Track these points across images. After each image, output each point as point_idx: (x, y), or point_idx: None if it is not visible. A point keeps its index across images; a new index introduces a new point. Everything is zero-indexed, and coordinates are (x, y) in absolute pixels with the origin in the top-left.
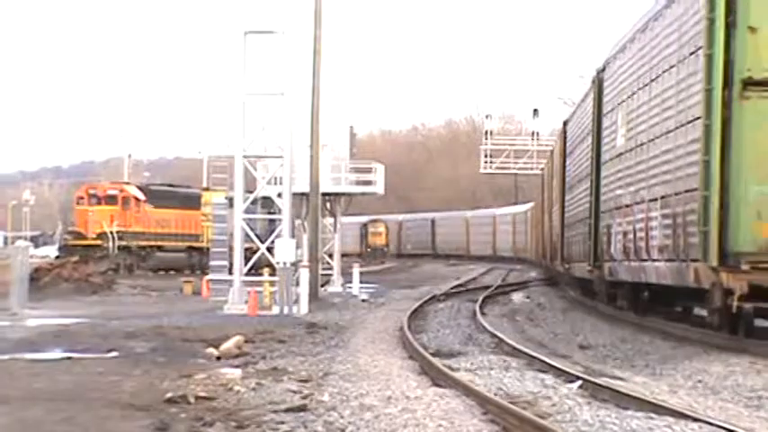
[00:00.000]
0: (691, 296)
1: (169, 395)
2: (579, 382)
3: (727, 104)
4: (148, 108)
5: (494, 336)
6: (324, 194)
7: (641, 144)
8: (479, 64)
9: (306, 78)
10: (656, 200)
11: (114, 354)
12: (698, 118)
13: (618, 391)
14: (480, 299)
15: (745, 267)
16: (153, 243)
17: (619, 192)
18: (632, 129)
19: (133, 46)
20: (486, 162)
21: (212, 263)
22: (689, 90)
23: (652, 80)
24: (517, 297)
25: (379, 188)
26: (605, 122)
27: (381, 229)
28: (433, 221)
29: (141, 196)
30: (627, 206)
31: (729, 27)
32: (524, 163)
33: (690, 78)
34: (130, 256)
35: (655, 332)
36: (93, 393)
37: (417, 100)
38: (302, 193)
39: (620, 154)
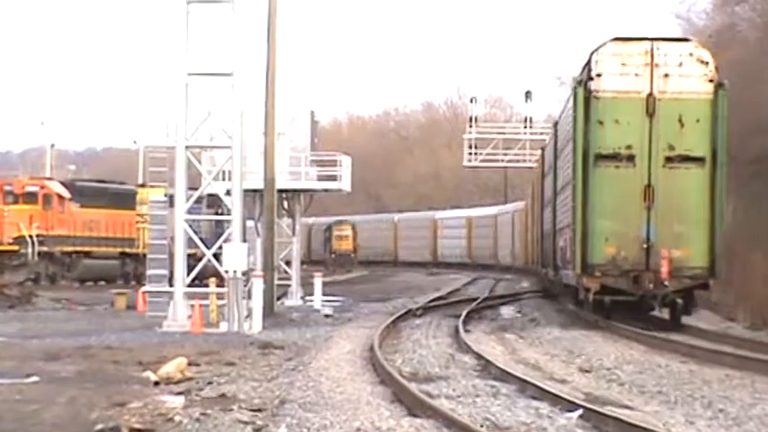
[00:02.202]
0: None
1: (99, 427)
2: (580, 411)
3: (585, 171)
4: (74, 91)
5: (479, 357)
6: (280, 191)
7: (566, 184)
8: (462, 38)
9: (259, 57)
10: (565, 227)
11: (34, 379)
12: (571, 180)
13: (625, 422)
14: (464, 314)
15: (597, 274)
16: (79, 249)
17: (561, 215)
18: (562, 172)
19: (57, 18)
20: (470, 154)
21: (149, 272)
22: (570, 159)
23: (564, 144)
24: (507, 311)
25: (345, 184)
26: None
27: (348, 231)
28: (434, 222)
29: (66, 194)
30: (564, 227)
31: (587, 122)
32: (515, 154)
33: (568, 151)
34: (53, 263)
35: (671, 352)
36: (9, 425)
37: (390, 80)
38: (255, 190)
39: (564, 186)
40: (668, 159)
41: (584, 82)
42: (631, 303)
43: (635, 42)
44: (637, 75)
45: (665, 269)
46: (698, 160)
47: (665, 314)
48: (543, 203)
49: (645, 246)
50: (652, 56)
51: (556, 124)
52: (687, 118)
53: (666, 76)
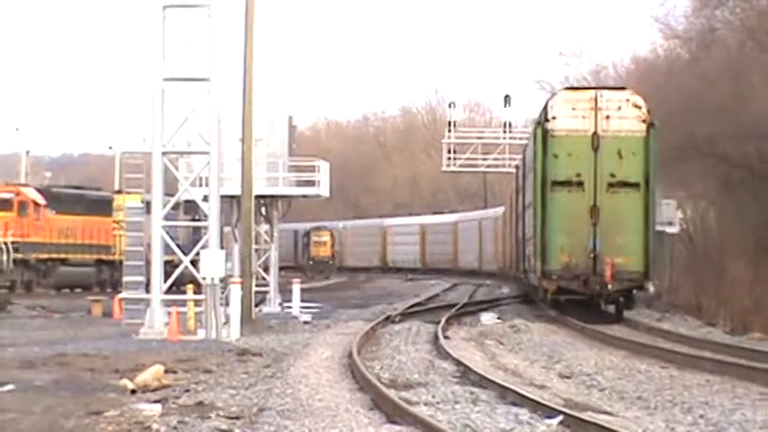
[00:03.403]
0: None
1: None
2: (560, 417)
3: (544, 194)
4: (50, 96)
5: (459, 363)
6: (258, 197)
7: (529, 204)
8: (440, 43)
9: (236, 62)
10: (530, 238)
11: (9, 387)
12: (533, 201)
13: (605, 428)
14: (443, 320)
15: (554, 278)
16: (55, 256)
17: (527, 228)
18: (527, 193)
19: (32, 23)
20: (449, 159)
21: (126, 279)
22: (532, 184)
23: (528, 172)
24: (486, 317)
25: (323, 190)
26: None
27: (326, 237)
28: (422, 228)
29: (41, 200)
30: (529, 238)
31: (545, 155)
32: (494, 159)
33: (531, 177)
34: (28, 271)
35: (651, 357)
36: None
37: (369, 85)
38: (232, 196)
39: (528, 204)
40: (610, 185)
41: (542, 123)
42: (582, 301)
43: (582, 91)
44: (584, 117)
45: (608, 273)
46: (634, 185)
47: (610, 310)
48: (518, 214)
49: (592, 255)
50: (596, 102)
51: (524, 151)
52: (625, 151)
53: (608, 117)
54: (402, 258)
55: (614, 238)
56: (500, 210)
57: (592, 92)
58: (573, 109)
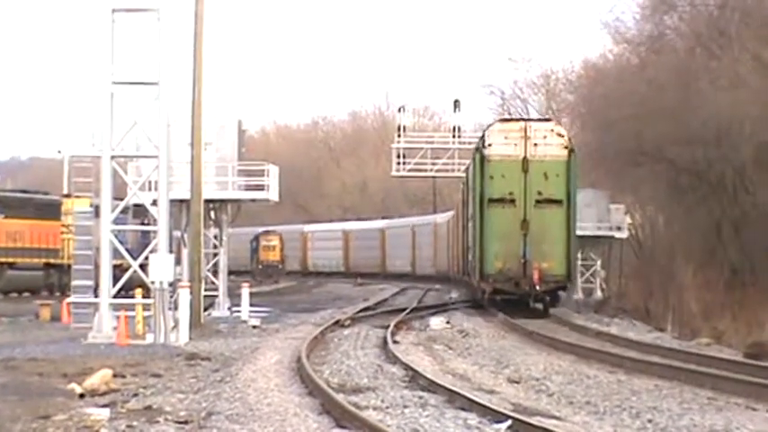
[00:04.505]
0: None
1: None
2: (508, 422)
3: (483, 210)
4: None
5: (407, 367)
6: (207, 201)
7: (471, 216)
8: (389, 47)
9: (185, 66)
10: (471, 246)
11: None
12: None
13: None
14: (392, 324)
15: (490, 280)
16: (3, 259)
17: (470, 238)
18: (469, 207)
19: None
20: (398, 164)
21: (74, 283)
22: (472, 200)
23: (470, 190)
24: (435, 322)
25: (272, 194)
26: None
27: (275, 242)
28: (344, 233)
29: None
30: (471, 246)
31: (482, 177)
32: (444, 164)
33: (471, 195)
34: None
35: (599, 362)
36: None
37: (318, 89)
38: (182, 200)
39: (470, 217)
40: (538, 202)
41: (480, 149)
42: (515, 300)
43: (514, 122)
44: (515, 144)
45: (536, 276)
46: (557, 202)
47: (538, 306)
48: (463, 225)
49: (522, 261)
50: (525, 131)
51: (467, 171)
52: (550, 173)
53: (536, 145)
54: (323, 263)
55: (541, 246)
56: (438, 217)
57: (522, 123)
58: (506, 138)
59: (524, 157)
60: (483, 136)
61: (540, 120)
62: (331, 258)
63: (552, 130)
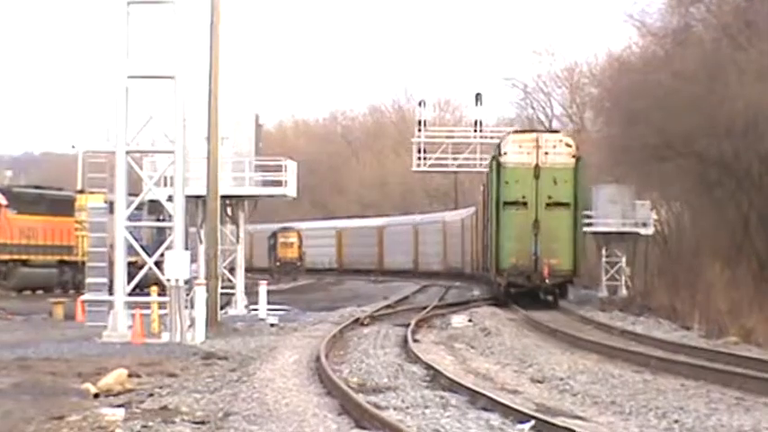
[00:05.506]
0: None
1: None
2: (531, 423)
3: (498, 211)
4: (11, 94)
5: (429, 367)
6: (224, 197)
7: (489, 217)
8: (409, 40)
9: (202, 59)
10: (489, 244)
11: None
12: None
13: None
14: (413, 323)
15: (505, 274)
16: (16, 257)
17: (488, 236)
18: (488, 209)
19: None
20: (419, 158)
21: (89, 280)
22: (490, 203)
23: (488, 193)
24: (457, 320)
25: (290, 190)
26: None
27: (293, 239)
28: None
29: (2, 200)
30: (489, 244)
31: (499, 182)
32: (465, 159)
33: (489, 198)
34: None
35: (624, 361)
36: None
37: (337, 83)
38: (198, 196)
39: (489, 218)
40: (548, 205)
41: (496, 157)
42: (527, 293)
43: (527, 133)
44: (528, 153)
45: (545, 271)
46: (565, 205)
47: (549, 299)
48: (484, 225)
49: (534, 257)
50: (537, 142)
51: (486, 176)
52: (559, 179)
53: (546, 153)
54: (317, 260)
55: (550, 244)
56: (447, 215)
57: (534, 134)
58: (519, 147)
59: (536, 165)
60: (499, 145)
61: (550, 131)
62: (324, 255)
63: (561, 140)
